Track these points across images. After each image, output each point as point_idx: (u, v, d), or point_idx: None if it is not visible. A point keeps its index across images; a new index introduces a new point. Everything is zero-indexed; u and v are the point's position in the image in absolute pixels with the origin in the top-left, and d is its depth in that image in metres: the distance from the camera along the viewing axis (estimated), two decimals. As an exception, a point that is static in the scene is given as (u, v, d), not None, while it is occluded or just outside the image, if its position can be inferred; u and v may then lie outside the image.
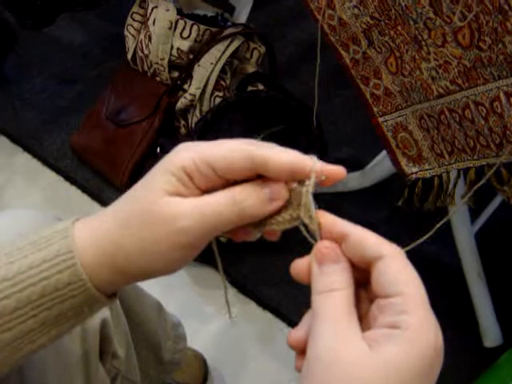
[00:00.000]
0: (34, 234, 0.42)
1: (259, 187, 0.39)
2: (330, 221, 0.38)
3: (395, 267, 0.36)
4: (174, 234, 0.39)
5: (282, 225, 0.40)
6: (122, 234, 0.40)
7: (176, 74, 1.35)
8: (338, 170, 0.39)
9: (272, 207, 0.40)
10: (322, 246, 0.38)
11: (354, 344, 0.34)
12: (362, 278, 0.38)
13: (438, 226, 0.76)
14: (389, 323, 0.34)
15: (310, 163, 0.38)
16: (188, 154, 0.39)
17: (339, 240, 0.38)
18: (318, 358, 0.34)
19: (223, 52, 1.30)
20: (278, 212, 0.40)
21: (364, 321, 0.37)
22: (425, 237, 0.73)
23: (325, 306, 0.36)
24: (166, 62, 1.33)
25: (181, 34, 1.31)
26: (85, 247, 0.40)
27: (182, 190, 0.39)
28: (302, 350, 0.38)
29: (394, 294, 0.35)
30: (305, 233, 0.40)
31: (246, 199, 0.39)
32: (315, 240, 0.39)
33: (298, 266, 0.39)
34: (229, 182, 0.40)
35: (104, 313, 0.64)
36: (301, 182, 0.39)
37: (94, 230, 0.41)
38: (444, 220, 0.78)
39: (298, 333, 0.39)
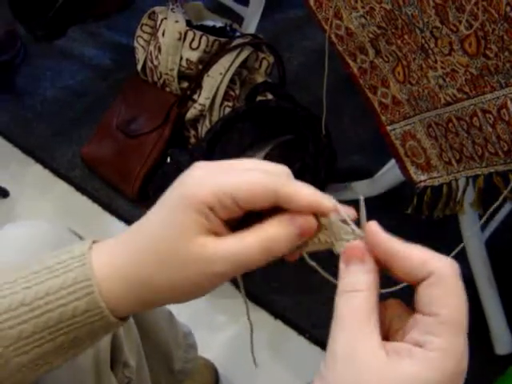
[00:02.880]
0: (50, 257, 0.42)
1: (290, 225, 0.40)
2: (375, 241, 0.38)
3: (439, 286, 0.35)
4: (207, 277, 0.39)
5: (313, 248, 0.41)
6: (150, 274, 0.40)
7: (185, 85, 1.36)
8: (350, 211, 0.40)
9: (301, 241, 0.40)
10: (351, 246, 0.38)
11: (371, 348, 0.34)
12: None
13: (455, 251, 0.77)
14: (414, 340, 0.34)
15: (329, 204, 0.39)
16: (209, 187, 0.39)
17: (386, 258, 0.37)
18: (335, 353, 0.34)
19: (232, 62, 1.31)
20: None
21: (384, 328, 0.37)
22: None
23: (347, 305, 0.36)
24: (175, 73, 1.35)
25: (190, 44, 1.32)
26: (104, 277, 0.40)
27: (207, 225, 0.39)
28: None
29: (429, 313, 0.35)
30: (308, 260, 0.42)
31: (278, 243, 0.39)
32: (319, 266, 0.41)
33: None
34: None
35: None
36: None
37: (115, 264, 0.41)
38: (460, 247, 0.79)
39: None
